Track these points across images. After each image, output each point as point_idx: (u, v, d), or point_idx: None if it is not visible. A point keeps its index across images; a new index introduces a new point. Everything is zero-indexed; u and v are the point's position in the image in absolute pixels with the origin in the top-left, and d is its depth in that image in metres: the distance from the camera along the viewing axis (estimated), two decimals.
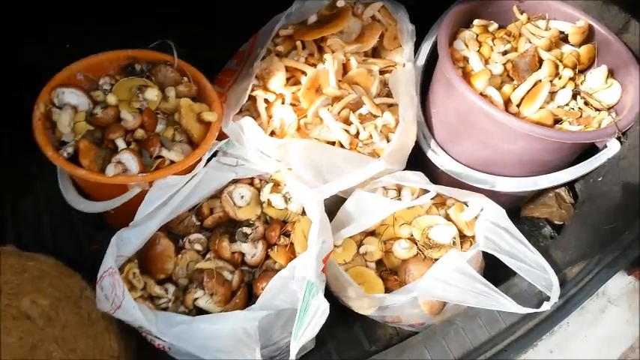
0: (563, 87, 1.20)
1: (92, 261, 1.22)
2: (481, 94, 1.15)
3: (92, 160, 1.09)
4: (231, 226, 1.14)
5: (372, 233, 1.22)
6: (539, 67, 1.21)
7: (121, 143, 1.12)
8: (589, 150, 1.16)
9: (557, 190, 1.43)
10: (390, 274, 1.20)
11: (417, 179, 1.14)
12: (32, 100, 1.16)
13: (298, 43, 1.27)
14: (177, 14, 1.53)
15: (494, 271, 1.16)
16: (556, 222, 1.42)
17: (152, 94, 1.16)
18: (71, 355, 1.02)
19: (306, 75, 1.23)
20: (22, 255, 1.12)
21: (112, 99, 1.14)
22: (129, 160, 1.09)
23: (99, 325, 1.06)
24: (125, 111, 1.13)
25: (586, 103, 1.21)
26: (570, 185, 1.40)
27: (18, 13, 1.47)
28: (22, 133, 1.41)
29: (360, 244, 1.20)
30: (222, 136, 1.19)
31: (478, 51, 1.25)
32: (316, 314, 0.94)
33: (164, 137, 1.14)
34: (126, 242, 1.05)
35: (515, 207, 1.42)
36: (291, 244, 1.10)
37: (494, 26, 1.32)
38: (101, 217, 1.36)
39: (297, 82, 1.25)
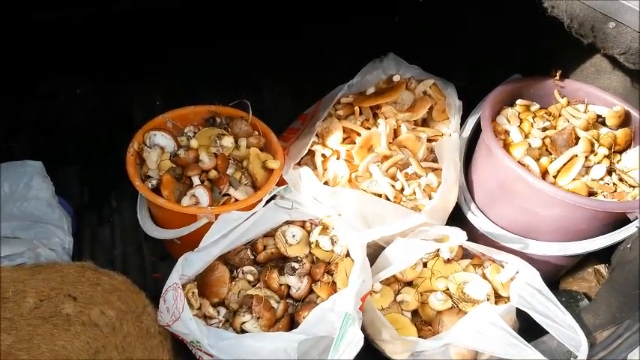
0: (599, 163, 1.29)
1: (153, 287, 1.37)
2: (519, 162, 1.26)
3: (171, 191, 1.27)
4: (281, 262, 1.27)
5: (409, 284, 1.30)
6: (576, 144, 1.31)
7: (196, 180, 1.30)
8: (623, 222, 1.22)
9: (597, 267, 1.46)
10: (425, 325, 1.26)
11: (454, 232, 1.23)
12: (123, 142, 1.38)
13: (356, 108, 1.45)
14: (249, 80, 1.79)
15: (527, 332, 1.20)
16: (596, 294, 1.44)
17: (228, 141, 1.36)
18: None
19: (360, 136, 1.39)
20: (97, 270, 1.28)
21: (194, 143, 1.34)
22: (201, 194, 1.27)
23: (155, 340, 1.18)
24: (204, 154, 1.32)
25: (621, 180, 1.28)
26: (609, 262, 1.44)
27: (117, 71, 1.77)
28: (110, 172, 1.65)
29: (397, 293, 1.28)
30: (281, 183, 1.35)
31: (519, 126, 1.37)
32: (351, 343, 1.03)
33: (233, 178, 1.31)
34: (190, 264, 1.19)
35: (553, 278, 1.46)
36: (334, 282, 1.20)
37: (535, 106, 1.44)
38: (166, 250, 1.52)
39: (352, 142, 1.41)
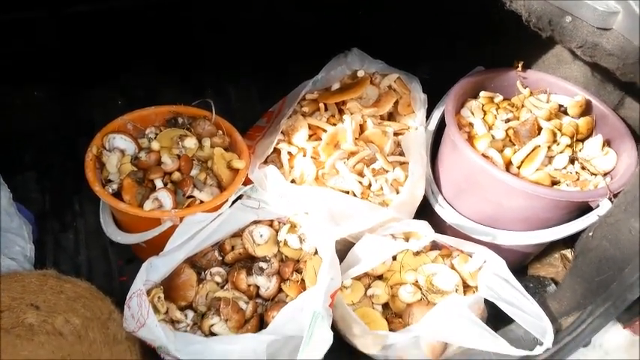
0: (561, 152, 1.31)
1: (120, 291, 1.34)
2: (483, 154, 1.27)
3: (133, 196, 1.24)
4: (249, 262, 1.25)
5: (379, 277, 1.30)
6: (539, 135, 1.33)
7: (159, 183, 1.27)
8: (587, 210, 1.24)
9: (563, 252, 1.49)
10: (395, 317, 1.26)
11: (421, 227, 1.23)
12: (84, 146, 1.34)
13: (321, 105, 1.44)
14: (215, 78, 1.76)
15: (496, 318, 1.22)
16: (561, 282, 1.46)
17: (190, 142, 1.33)
18: None
19: (326, 132, 1.38)
20: (60, 278, 1.25)
21: (155, 145, 1.31)
22: (164, 197, 1.24)
23: (122, 346, 1.16)
24: (166, 156, 1.29)
25: (583, 168, 1.30)
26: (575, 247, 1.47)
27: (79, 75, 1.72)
28: (71, 176, 1.60)
29: (367, 287, 1.28)
30: (247, 182, 1.33)
31: (483, 118, 1.38)
32: (320, 341, 1.02)
33: (197, 180, 1.29)
34: (155, 269, 1.16)
35: (521, 265, 1.48)
36: (303, 280, 1.19)
37: (499, 98, 1.45)
38: (132, 252, 1.49)
39: (318, 139, 1.40)
